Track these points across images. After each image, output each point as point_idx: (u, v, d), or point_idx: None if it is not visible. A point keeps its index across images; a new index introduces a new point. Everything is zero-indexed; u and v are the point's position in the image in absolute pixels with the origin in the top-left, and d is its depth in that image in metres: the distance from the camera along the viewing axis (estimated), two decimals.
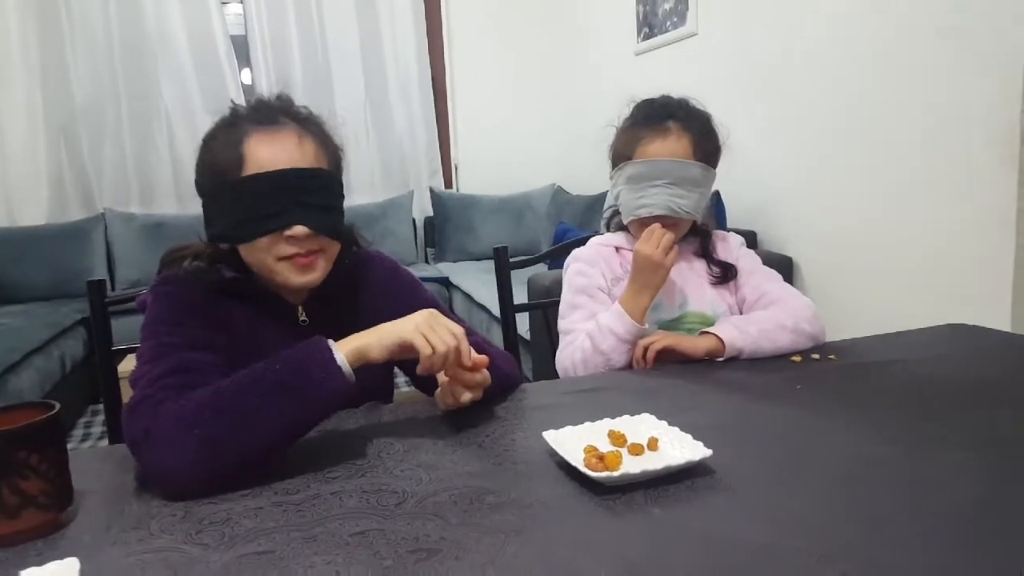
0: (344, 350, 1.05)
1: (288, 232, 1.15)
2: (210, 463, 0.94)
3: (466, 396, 1.15)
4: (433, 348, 1.07)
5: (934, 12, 2.24)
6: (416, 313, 1.12)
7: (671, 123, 1.52)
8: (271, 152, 1.15)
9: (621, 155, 1.56)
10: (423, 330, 1.08)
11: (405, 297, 1.34)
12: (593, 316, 1.51)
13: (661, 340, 1.43)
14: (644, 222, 1.52)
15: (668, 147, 1.50)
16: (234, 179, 1.15)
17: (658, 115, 1.54)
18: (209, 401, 0.99)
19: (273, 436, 0.99)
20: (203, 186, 1.21)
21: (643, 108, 1.58)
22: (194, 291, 1.18)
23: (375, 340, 1.08)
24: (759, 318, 1.49)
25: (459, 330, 1.11)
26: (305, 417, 1.02)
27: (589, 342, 1.48)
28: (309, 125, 1.23)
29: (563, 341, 1.56)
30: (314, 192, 1.18)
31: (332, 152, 1.25)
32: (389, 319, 1.28)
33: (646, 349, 1.43)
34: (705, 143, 1.53)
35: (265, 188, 1.14)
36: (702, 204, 1.55)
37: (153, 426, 0.97)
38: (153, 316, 1.16)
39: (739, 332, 1.43)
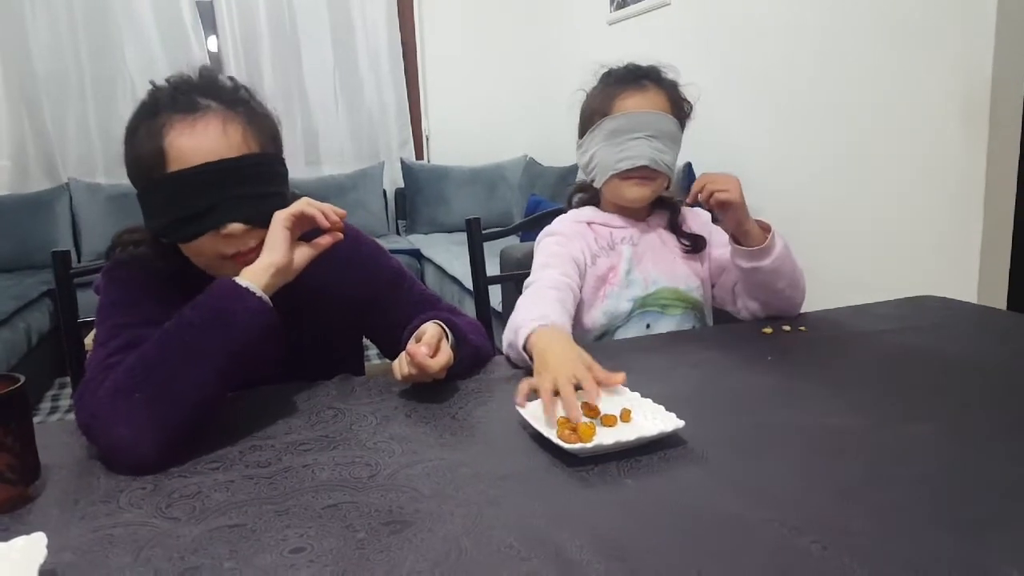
0: (248, 277, 1.05)
1: (224, 231, 1.09)
2: (160, 420, 0.94)
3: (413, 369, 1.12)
4: (317, 206, 1.11)
5: None
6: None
7: (646, 81, 1.55)
8: (193, 143, 1.07)
9: (597, 112, 1.55)
10: (304, 203, 1.12)
11: (368, 268, 1.33)
12: (563, 274, 1.47)
13: (732, 192, 1.38)
14: (625, 175, 1.52)
15: (647, 100, 1.52)
16: (159, 176, 1.07)
17: (632, 75, 1.56)
18: (138, 363, 0.98)
19: (210, 375, 0.99)
20: (133, 180, 1.13)
21: (615, 72, 1.60)
22: (147, 272, 1.16)
23: (268, 250, 1.09)
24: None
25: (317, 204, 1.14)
26: (234, 348, 1.01)
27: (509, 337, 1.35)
28: (235, 105, 1.12)
29: (523, 295, 1.47)
30: (246, 182, 1.10)
31: (265, 130, 1.15)
32: (351, 292, 1.26)
33: (703, 188, 1.40)
34: (679, 101, 1.57)
35: (191, 185, 1.06)
36: (675, 164, 1.56)
37: (96, 406, 0.96)
38: (107, 299, 1.14)
39: (778, 234, 1.44)
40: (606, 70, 1.61)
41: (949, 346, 1.33)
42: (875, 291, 1.79)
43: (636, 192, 1.55)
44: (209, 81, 1.14)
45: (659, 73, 1.58)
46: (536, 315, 1.27)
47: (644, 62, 1.60)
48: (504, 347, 1.33)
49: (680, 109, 1.57)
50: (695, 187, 1.41)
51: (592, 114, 1.57)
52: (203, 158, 1.07)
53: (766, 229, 1.44)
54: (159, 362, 0.98)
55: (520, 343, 1.23)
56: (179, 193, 1.07)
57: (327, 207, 1.13)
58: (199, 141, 1.07)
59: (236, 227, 1.09)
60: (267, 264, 1.07)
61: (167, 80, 1.14)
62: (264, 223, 1.11)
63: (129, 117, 1.13)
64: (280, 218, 1.10)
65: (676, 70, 1.60)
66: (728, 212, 1.41)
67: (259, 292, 1.04)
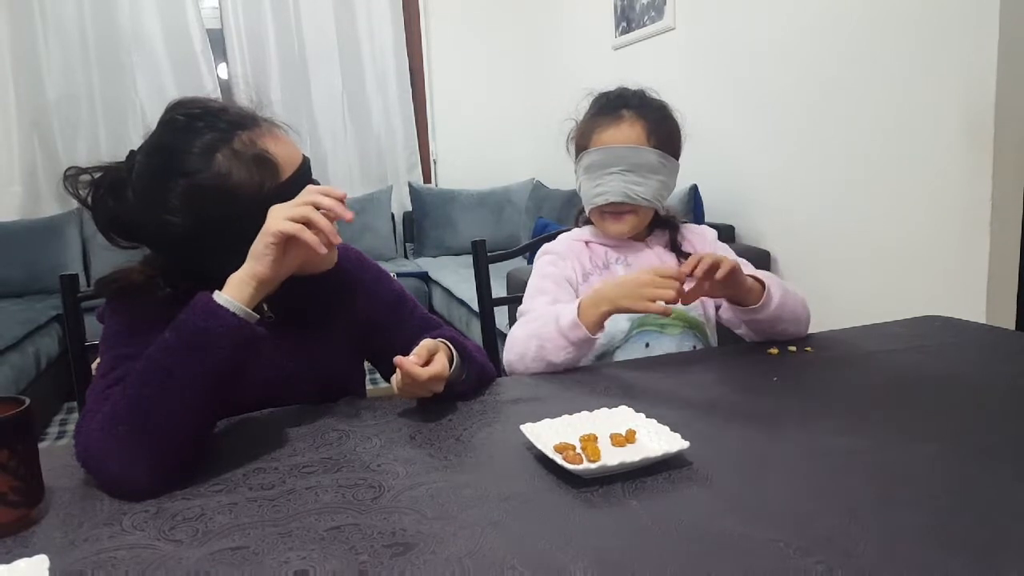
0: (229, 290, 1.01)
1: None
2: (148, 450, 0.92)
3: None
4: (318, 225, 1.03)
5: (907, 1, 2.26)
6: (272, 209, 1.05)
7: (625, 111, 1.54)
8: (286, 149, 1.13)
9: (579, 146, 1.59)
10: (293, 215, 1.03)
11: (370, 290, 1.33)
12: (556, 303, 1.47)
13: (726, 261, 1.34)
14: (603, 210, 1.54)
15: (621, 134, 1.52)
16: (275, 185, 1.09)
17: (613, 104, 1.56)
18: (120, 396, 0.97)
19: (192, 398, 0.96)
20: (210, 219, 1.08)
21: (600, 99, 1.60)
22: (151, 299, 1.12)
23: (252, 259, 1.03)
24: (779, 282, 1.47)
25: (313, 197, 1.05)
26: (211, 369, 0.97)
27: (535, 344, 1.37)
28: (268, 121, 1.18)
29: (519, 322, 1.49)
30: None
31: None
32: (353, 315, 1.26)
33: (699, 261, 1.33)
34: (660, 130, 1.54)
35: (306, 183, 1.11)
36: (664, 193, 1.55)
37: (88, 441, 0.96)
38: (110, 329, 1.13)
39: (773, 281, 1.43)
40: (594, 95, 1.62)
41: (956, 366, 1.32)
42: (882, 311, 1.79)
43: (615, 228, 1.56)
44: (246, 107, 1.17)
45: (642, 98, 1.57)
46: (555, 309, 1.37)
47: (635, 85, 1.60)
48: (528, 352, 1.37)
49: (662, 137, 1.53)
50: (688, 268, 1.33)
51: (576, 145, 1.60)
52: (298, 160, 1.14)
53: (759, 281, 1.43)
54: (140, 391, 0.96)
55: (568, 321, 1.33)
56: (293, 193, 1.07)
57: (323, 222, 1.04)
58: (287, 145, 1.15)
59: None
60: (249, 275, 1.03)
61: (182, 115, 1.15)
62: None
63: (161, 159, 1.14)
64: (270, 231, 1.03)
65: (657, 92, 1.60)
66: (735, 279, 1.36)
67: (235, 308, 0.99)
